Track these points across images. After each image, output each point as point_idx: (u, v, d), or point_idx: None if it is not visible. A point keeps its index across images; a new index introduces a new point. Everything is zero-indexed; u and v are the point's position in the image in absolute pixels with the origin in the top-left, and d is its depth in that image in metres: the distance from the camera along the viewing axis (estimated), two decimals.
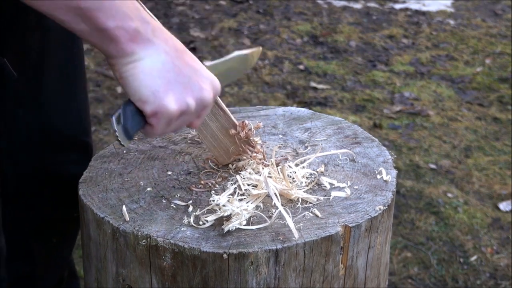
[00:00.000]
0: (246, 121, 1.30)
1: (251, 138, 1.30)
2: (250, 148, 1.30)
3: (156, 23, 1.10)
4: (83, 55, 1.54)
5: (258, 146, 1.31)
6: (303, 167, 1.29)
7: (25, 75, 1.36)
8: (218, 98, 1.28)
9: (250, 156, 1.31)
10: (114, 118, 1.09)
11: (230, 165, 1.31)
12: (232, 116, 1.30)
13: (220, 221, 1.14)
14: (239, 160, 1.31)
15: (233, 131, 1.29)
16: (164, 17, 4.83)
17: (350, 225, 1.14)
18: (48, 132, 1.47)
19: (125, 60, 1.06)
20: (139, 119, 1.11)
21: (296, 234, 1.10)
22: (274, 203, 1.15)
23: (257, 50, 1.33)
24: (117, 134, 1.09)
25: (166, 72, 1.08)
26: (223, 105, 1.29)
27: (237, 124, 1.30)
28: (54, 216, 1.56)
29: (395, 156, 1.38)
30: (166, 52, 1.08)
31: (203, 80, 1.13)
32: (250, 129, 1.29)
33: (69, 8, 1.01)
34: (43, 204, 1.54)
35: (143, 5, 1.15)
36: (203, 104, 1.14)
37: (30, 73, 1.39)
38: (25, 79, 1.37)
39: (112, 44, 1.05)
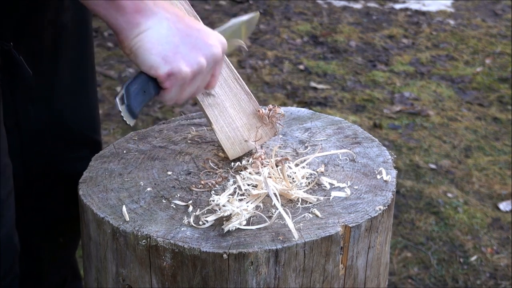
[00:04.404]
0: (276, 106, 1.33)
1: (277, 122, 1.33)
2: (275, 131, 1.33)
3: None
4: (94, 53, 1.55)
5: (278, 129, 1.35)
6: (303, 167, 1.29)
7: (37, 72, 1.37)
8: (242, 81, 1.29)
9: (252, 156, 1.31)
10: (117, 99, 1.11)
11: (232, 164, 1.31)
12: (256, 101, 1.32)
13: (220, 221, 1.14)
14: (241, 160, 1.32)
15: (262, 111, 1.32)
16: None
17: (350, 225, 1.14)
18: (59, 129, 1.49)
19: (132, 33, 1.11)
20: (144, 97, 1.14)
21: (296, 234, 1.10)
22: (274, 203, 1.15)
23: (255, 15, 1.35)
24: (122, 114, 1.12)
25: (171, 37, 1.12)
26: (248, 89, 1.29)
27: (260, 109, 1.33)
28: (61, 215, 1.57)
29: (395, 156, 1.38)
30: (168, 19, 1.13)
31: (209, 37, 1.16)
32: (280, 113, 1.32)
33: None
34: (52, 202, 1.54)
35: None
36: (214, 60, 1.17)
37: (42, 70, 1.41)
38: (38, 76, 1.38)
39: (119, 15, 1.09)
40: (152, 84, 1.15)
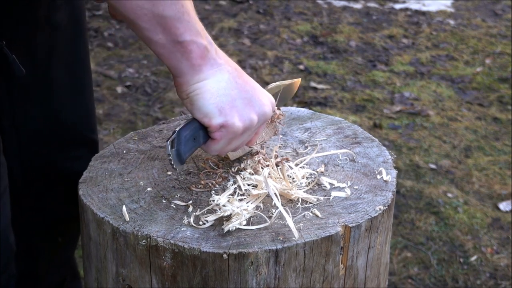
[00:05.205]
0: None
1: (279, 124, 1.33)
2: (276, 131, 1.34)
3: (216, 45, 1.16)
4: (89, 53, 1.55)
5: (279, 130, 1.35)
6: (303, 167, 1.29)
7: (33, 72, 1.37)
8: None
9: (251, 155, 1.31)
10: (168, 143, 1.13)
11: (231, 163, 1.31)
12: None
13: (220, 221, 1.14)
14: (241, 160, 1.32)
15: None
16: None
17: (350, 225, 1.14)
18: (57, 129, 1.49)
19: (193, 79, 1.12)
20: (194, 144, 1.16)
21: (296, 234, 1.10)
22: (274, 203, 1.15)
23: (297, 80, 1.38)
24: (170, 158, 1.13)
25: (230, 90, 1.14)
26: None
27: None
28: (61, 215, 1.57)
29: (395, 156, 1.38)
30: (229, 72, 1.14)
31: (263, 96, 1.19)
32: (281, 114, 1.32)
33: (153, 15, 1.06)
34: (51, 202, 1.54)
35: None
36: (264, 119, 1.20)
37: (38, 69, 1.41)
38: (34, 75, 1.38)
39: (183, 59, 1.10)
40: (202, 132, 1.16)
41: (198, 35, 1.09)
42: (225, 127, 1.14)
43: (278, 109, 1.33)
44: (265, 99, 1.19)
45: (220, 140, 1.16)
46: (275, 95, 1.31)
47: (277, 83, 1.35)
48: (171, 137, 1.14)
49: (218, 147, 1.18)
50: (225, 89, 1.13)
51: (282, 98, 1.36)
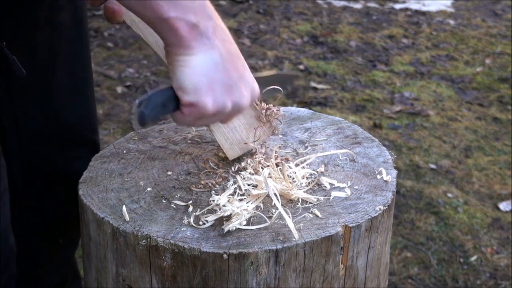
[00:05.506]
0: (271, 105, 1.33)
1: (275, 119, 1.33)
2: (274, 130, 1.34)
3: (219, 22, 1.13)
4: (90, 53, 1.55)
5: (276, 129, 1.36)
6: (303, 167, 1.29)
7: (33, 72, 1.37)
8: None
9: (251, 155, 1.31)
10: (137, 102, 1.12)
11: (231, 164, 1.31)
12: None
13: (220, 221, 1.14)
14: (241, 160, 1.32)
15: (260, 106, 1.34)
16: None
17: (350, 225, 1.14)
18: (57, 129, 1.49)
19: (180, 51, 1.10)
20: (162, 111, 1.15)
21: (296, 234, 1.10)
22: (274, 203, 1.15)
23: (296, 74, 1.36)
24: (133, 117, 1.13)
25: (214, 72, 1.12)
26: None
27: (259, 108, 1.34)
28: (61, 215, 1.57)
29: (395, 156, 1.38)
30: (220, 54, 1.12)
31: (246, 86, 1.17)
32: (278, 109, 1.32)
33: None
34: (51, 202, 1.54)
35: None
36: (238, 109, 1.17)
37: (38, 69, 1.41)
38: (34, 75, 1.38)
39: (172, 34, 1.09)
40: (174, 102, 1.15)
41: (187, 11, 1.07)
42: (195, 107, 1.13)
43: (274, 106, 1.33)
44: (247, 90, 1.17)
45: (187, 116, 1.15)
46: (267, 82, 1.30)
47: (280, 72, 1.34)
48: (142, 97, 1.13)
49: (184, 121, 1.17)
50: (208, 70, 1.11)
51: (274, 84, 1.35)
